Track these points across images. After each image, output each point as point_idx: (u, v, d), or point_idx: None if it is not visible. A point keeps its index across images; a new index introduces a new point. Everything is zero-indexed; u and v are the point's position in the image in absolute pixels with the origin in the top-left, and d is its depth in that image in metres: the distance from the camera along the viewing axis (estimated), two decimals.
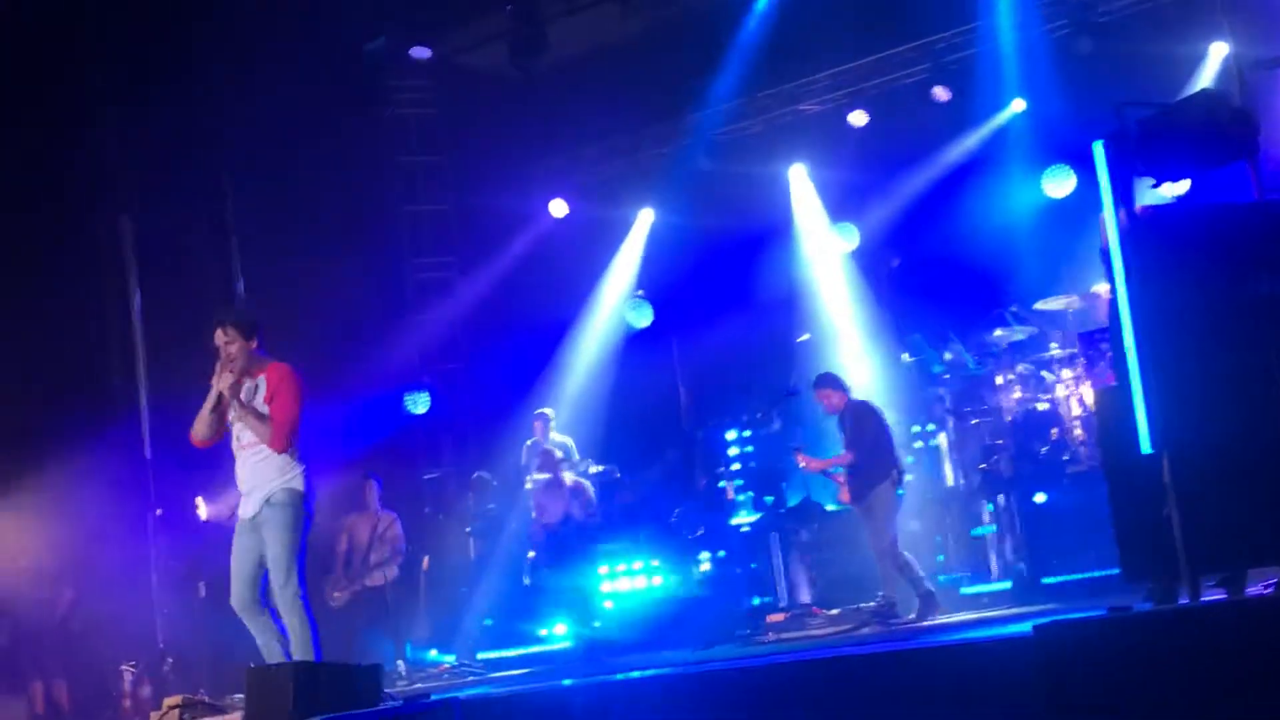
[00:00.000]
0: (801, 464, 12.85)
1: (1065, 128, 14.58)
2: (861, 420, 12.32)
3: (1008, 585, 12.77)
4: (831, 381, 12.59)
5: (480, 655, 14.95)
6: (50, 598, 14.09)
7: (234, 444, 8.58)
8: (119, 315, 15.68)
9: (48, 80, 14.83)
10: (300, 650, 8.25)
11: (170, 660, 14.17)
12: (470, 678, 13.58)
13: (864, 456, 12.18)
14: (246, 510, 8.49)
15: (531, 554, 15.16)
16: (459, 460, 17.82)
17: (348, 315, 16.61)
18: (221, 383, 8.43)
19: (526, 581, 15.14)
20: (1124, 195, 6.79)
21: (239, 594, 8.47)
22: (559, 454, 15.45)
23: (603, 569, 14.81)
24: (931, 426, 14.63)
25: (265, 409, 8.43)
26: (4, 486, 14.06)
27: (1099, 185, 6.84)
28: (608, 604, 14.79)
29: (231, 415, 8.54)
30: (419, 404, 17.64)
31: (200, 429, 8.64)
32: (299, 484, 8.42)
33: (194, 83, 15.64)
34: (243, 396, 8.47)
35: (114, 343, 15.63)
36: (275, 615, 8.42)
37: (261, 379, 8.51)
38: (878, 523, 12.03)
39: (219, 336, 8.50)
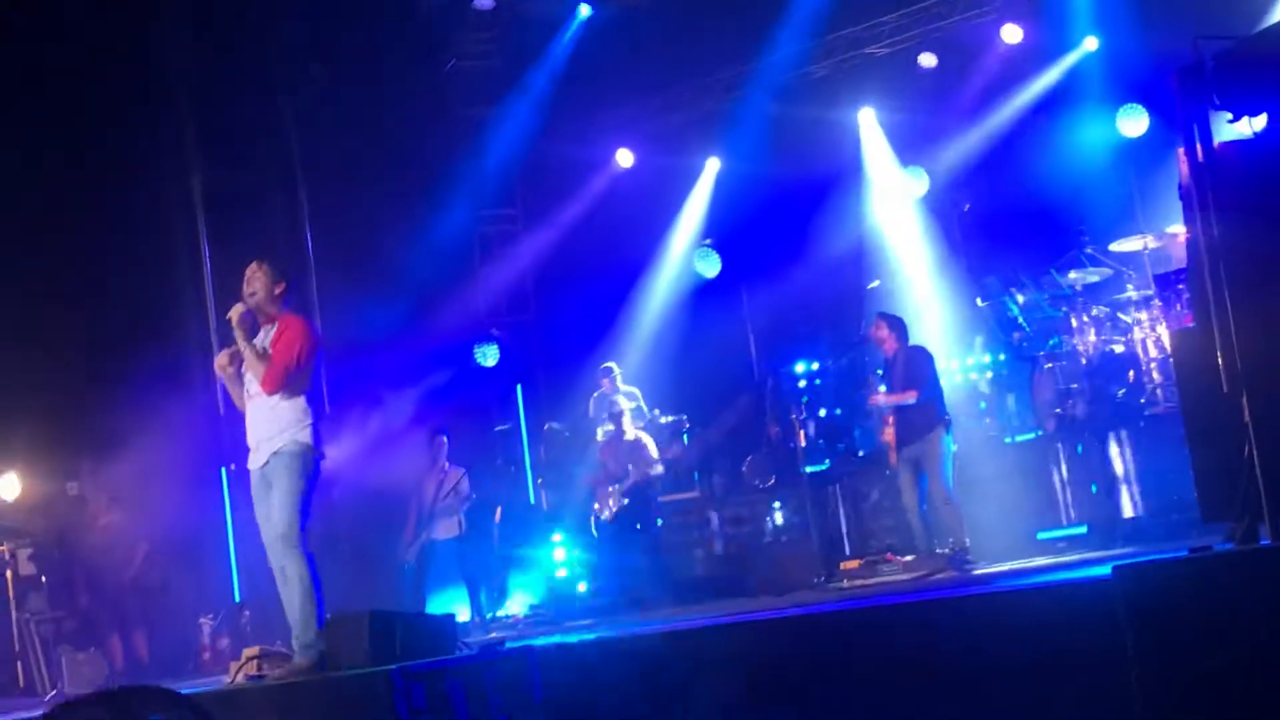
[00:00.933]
0: (881, 391, 12.66)
1: (1139, 65, 14.37)
2: (920, 364, 12.26)
3: (1083, 530, 12.67)
4: (892, 321, 12.52)
5: (553, 605, 15.02)
6: (127, 552, 14.26)
7: (244, 395, 8.47)
8: (191, 272, 15.80)
9: (118, 38, 14.91)
10: (298, 597, 8.14)
11: (247, 613, 14.38)
12: (544, 626, 13.63)
13: (924, 399, 12.12)
14: (255, 462, 8.37)
15: (596, 506, 15.20)
16: (530, 412, 17.86)
17: (415, 268, 16.65)
18: (232, 311, 8.35)
19: (594, 534, 15.20)
20: (1201, 131, 6.64)
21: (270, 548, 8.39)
22: (629, 406, 15.45)
23: (672, 519, 14.86)
24: (999, 367, 14.53)
25: (268, 351, 8.35)
26: (82, 444, 14.23)
27: (1175, 121, 6.70)
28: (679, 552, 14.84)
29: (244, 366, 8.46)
30: (488, 356, 17.68)
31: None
32: (306, 435, 8.29)
33: (260, 40, 15.71)
34: (257, 341, 8.40)
35: (187, 299, 15.76)
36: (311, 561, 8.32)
37: (275, 326, 8.44)
38: (934, 469, 11.98)
39: (248, 272, 8.44)
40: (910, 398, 12.15)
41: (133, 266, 15.19)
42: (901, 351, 12.37)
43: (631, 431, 15.19)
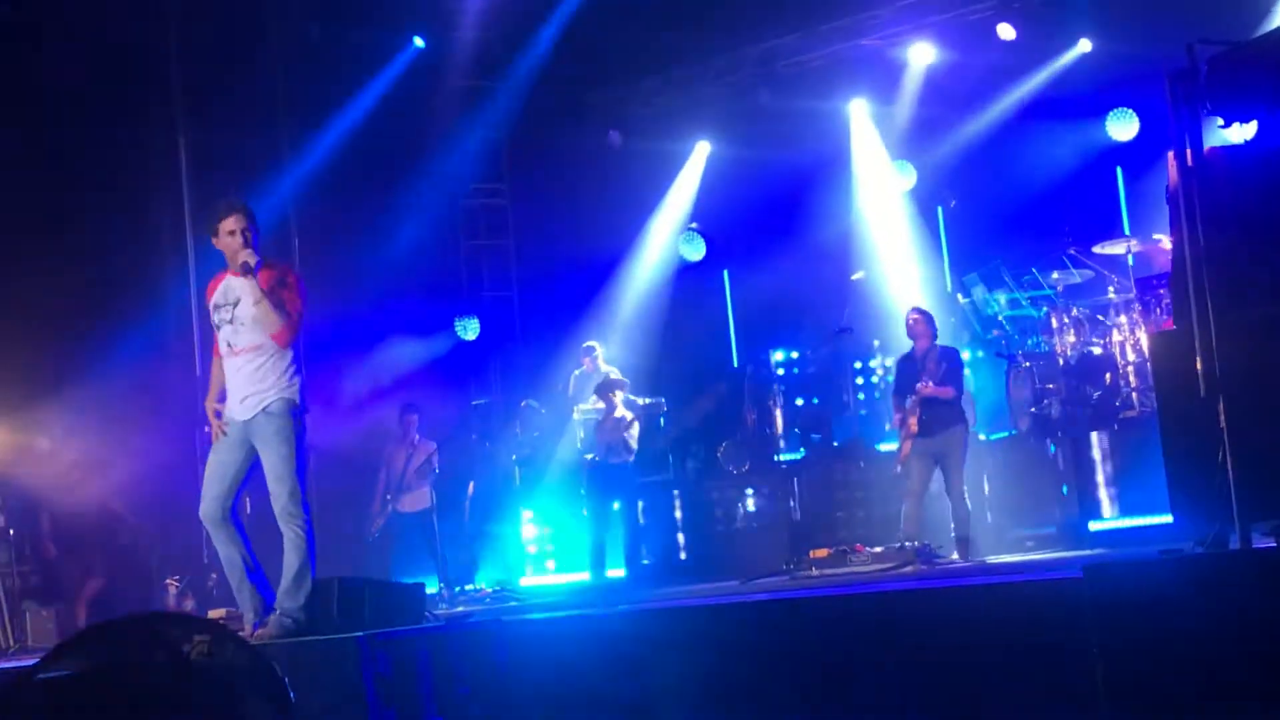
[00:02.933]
0: (929, 384, 12.58)
1: (1132, 70, 14.38)
2: (959, 363, 12.49)
3: (1053, 529, 12.71)
4: (929, 318, 12.60)
5: (523, 582, 15.00)
6: (97, 509, 14.18)
7: (224, 349, 8.18)
8: (172, 232, 15.72)
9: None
10: (296, 563, 7.94)
11: (214, 575, 14.30)
12: (512, 603, 13.62)
13: (958, 396, 12.28)
14: (239, 413, 8.06)
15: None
16: (507, 387, 17.83)
17: (399, 240, 16.60)
18: (249, 259, 8.03)
19: (585, 513, 15.14)
20: (1192, 136, 6.65)
21: (213, 504, 8.08)
22: (618, 389, 15.38)
23: (644, 502, 14.85)
24: (977, 364, 14.55)
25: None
26: (55, 399, 14.14)
27: (1166, 124, 6.70)
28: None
29: (217, 319, 8.19)
30: (469, 330, 17.64)
31: None
32: (295, 394, 8.05)
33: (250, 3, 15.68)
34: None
35: (168, 258, 15.67)
36: (240, 527, 8.12)
37: (262, 274, 8.12)
38: (959, 464, 12.11)
39: (233, 222, 8.11)
40: (949, 393, 12.20)
41: (112, 223, 15.08)
42: (935, 349, 12.41)
43: (622, 409, 15.13)
